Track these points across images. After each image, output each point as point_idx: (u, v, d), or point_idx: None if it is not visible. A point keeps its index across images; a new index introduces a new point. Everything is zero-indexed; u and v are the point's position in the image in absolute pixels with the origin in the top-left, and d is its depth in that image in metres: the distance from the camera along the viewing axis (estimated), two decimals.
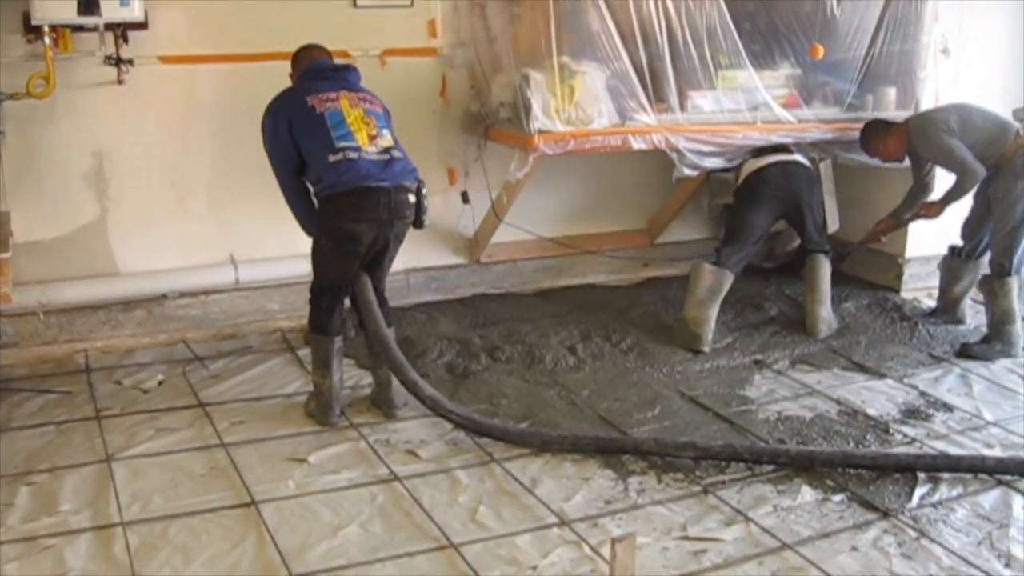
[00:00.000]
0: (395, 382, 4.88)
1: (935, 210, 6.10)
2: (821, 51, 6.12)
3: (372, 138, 4.66)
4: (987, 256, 6.09)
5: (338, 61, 5.03)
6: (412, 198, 4.69)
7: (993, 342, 5.94)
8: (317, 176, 4.65)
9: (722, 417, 5.04)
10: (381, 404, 4.98)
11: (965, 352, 5.90)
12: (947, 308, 6.37)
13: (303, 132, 4.65)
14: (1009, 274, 5.88)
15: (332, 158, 4.59)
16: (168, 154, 5.65)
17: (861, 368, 5.68)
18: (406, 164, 4.71)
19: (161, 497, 4.17)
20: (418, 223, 4.78)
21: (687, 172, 5.86)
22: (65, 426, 4.81)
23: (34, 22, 4.96)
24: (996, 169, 5.77)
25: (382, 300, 4.93)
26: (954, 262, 6.26)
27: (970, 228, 6.16)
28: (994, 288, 5.93)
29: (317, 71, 4.90)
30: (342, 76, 4.89)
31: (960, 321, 6.35)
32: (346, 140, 4.62)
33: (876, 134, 6.04)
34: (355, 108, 4.71)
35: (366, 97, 4.81)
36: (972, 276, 6.22)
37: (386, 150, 4.67)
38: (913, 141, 5.90)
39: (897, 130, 5.96)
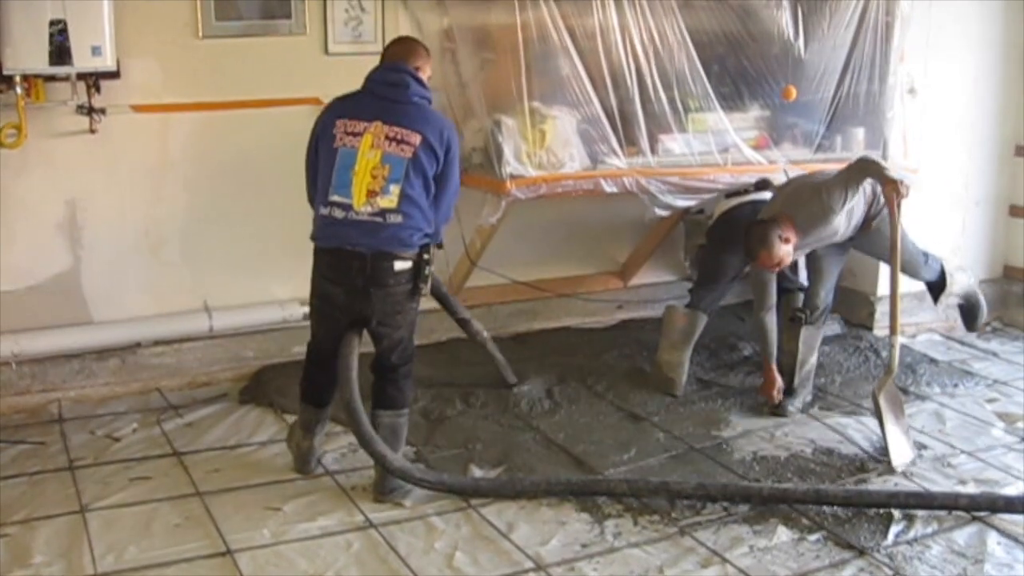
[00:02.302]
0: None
1: None
2: (794, 93, 6.17)
3: (371, 195, 4.32)
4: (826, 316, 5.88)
5: (402, 69, 4.54)
6: (401, 265, 4.38)
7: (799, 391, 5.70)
8: (314, 211, 4.55)
9: (697, 458, 5.05)
10: (375, 486, 4.67)
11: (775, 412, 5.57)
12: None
13: (320, 156, 4.50)
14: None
15: (322, 210, 4.43)
16: (141, 202, 5.65)
17: (836, 407, 5.70)
18: (400, 229, 4.35)
19: (136, 547, 4.13)
20: (414, 290, 4.47)
21: (659, 213, 5.89)
22: (38, 477, 4.77)
23: (5, 71, 4.96)
24: None
25: (388, 376, 4.63)
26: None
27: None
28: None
29: (374, 81, 4.55)
30: (392, 97, 4.45)
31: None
32: (340, 193, 4.36)
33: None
34: (374, 150, 4.35)
35: (399, 135, 4.36)
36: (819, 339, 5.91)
37: (381, 211, 4.33)
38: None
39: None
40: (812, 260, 5.78)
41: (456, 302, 5.60)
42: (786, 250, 5.19)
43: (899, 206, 5.14)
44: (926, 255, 5.81)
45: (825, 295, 5.74)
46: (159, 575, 3.94)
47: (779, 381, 5.58)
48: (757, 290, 5.61)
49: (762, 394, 5.65)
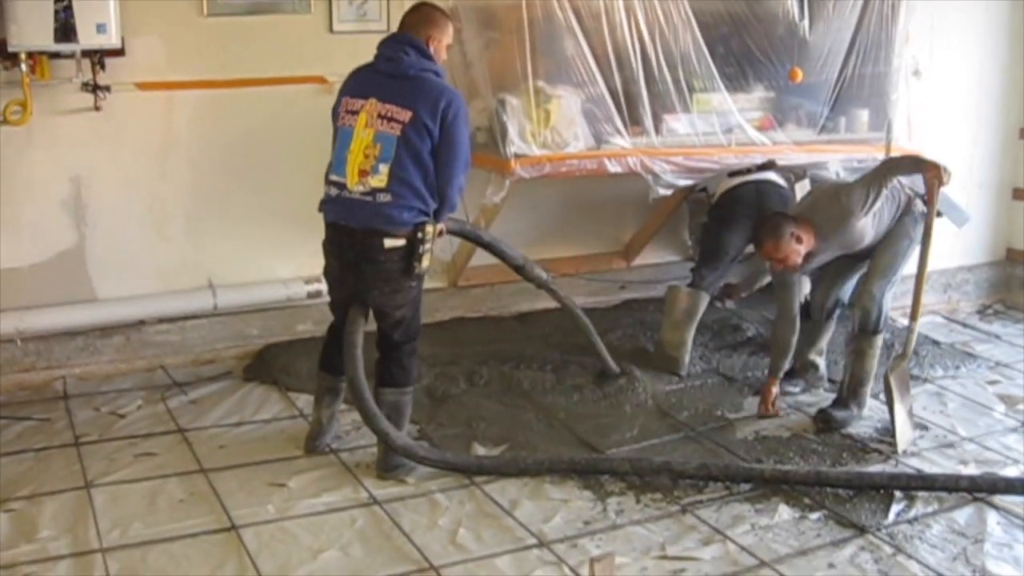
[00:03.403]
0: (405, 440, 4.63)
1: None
2: (800, 74, 6.16)
3: (362, 175, 4.34)
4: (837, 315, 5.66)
5: (403, 41, 4.46)
6: (392, 243, 4.36)
7: (851, 405, 5.36)
8: None
9: (699, 437, 5.08)
10: (378, 464, 4.69)
11: (824, 420, 5.27)
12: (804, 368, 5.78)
13: (334, 129, 4.56)
14: (876, 331, 5.31)
15: (325, 186, 4.51)
16: (146, 180, 5.65)
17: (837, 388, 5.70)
18: (391, 208, 4.33)
19: (141, 523, 4.16)
20: (408, 269, 4.44)
21: (662, 192, 5.89)
22: (44, 453, 4.79)
23: (10, 49, 4.96)
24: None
25: (391, 354, 4.64)
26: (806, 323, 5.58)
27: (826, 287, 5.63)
28: (861, 347, 5.33)
29: (377, 55, 4.50)
30: (388, 71, 4.42)
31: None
32: (338, 172, 4.42)
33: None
34: (368, 128, 4.36)
35: (390, 113, 4.34)
36: (827, 336, 5.73)
37: (372, 191, 4.33)
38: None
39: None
40: (826, 264, 5.51)
41: (508, 247, 5.41)
42: (795, 248, 5.05)
43: (938, 192, 5.01)
44: (880, 311, 5.27)
45: (830, 294, 5.55)
46: (164, 550, 3.97)
47: (774, 396, 5.39)
48: (777, 293, 5.44)
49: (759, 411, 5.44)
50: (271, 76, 5.71)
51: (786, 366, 5.44)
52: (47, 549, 3.95)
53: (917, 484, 4.56)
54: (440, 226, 4.60)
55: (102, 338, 5.71)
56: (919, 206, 5.25)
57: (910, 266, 5.30)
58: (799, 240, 5.07)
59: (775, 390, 5.41)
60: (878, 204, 5.07)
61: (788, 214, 5.24)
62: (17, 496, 4.35)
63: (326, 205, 4.52)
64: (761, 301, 6.64)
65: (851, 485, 4.53)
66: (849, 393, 5.33)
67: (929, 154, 6.05)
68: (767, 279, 6.43)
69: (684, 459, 4.73)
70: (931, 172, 5.01)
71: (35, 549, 3.95)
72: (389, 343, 4.64)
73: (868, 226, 5.14)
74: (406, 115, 4.34)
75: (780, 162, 6.10)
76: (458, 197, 4.55)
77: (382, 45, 4.53)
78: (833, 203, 5.14)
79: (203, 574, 3.82)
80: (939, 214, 5.39)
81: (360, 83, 4.51)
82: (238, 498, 4.38)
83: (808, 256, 5.15)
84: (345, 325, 4.57)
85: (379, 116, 4.37)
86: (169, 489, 4.46)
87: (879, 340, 5.29)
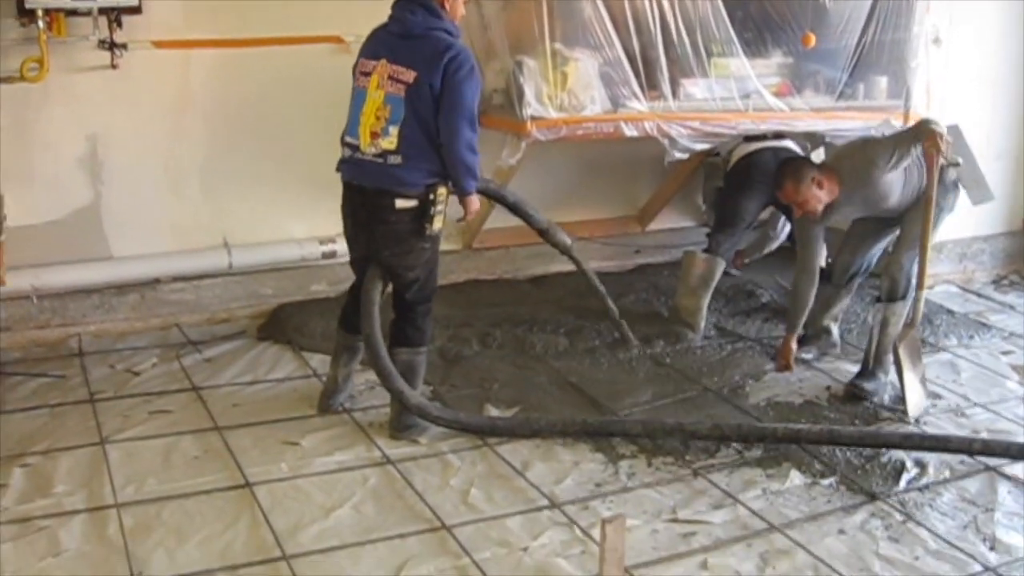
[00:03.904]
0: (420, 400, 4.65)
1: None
2: (813, 39, 6.12)
3: (374, 136, 4.35)
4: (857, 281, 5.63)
5: (415, 0, 4.41)
6: (403, 203, 4.36)
7: (878, 374, 5.29)
8: None
9: (712, 402, 5.09)
10: (391, 423, 4.70)
11: (855, 394, 5.18)
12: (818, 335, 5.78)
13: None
14: (904, 298, 5.28)
15: (341, 147, 4.52)
16: (162, 138, 5.65)
17: (853, 356, 5.69)
18: (401, 170, 4.34)
19: (155, 479, 4.19)
20: (419, 230, 4.42)
21: (677, 156, 5.87)
22: (59, 409, 4.82)
23: (28, 5, 4.96)
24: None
25: (406, 314, 4.65)
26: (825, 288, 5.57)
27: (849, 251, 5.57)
28: (887, 316, 5.29)
29: (392, 15, 4.47)
30: (399, 32, 4.40)
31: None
32: (352, 134, 4.44)
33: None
34: (379, 91, 4.35)
35: (397, 74, 4.32)
36: (843, 303, 5.73)
37: (383, 153, 4.34)
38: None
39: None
40: (854, 223, 5.48)
41: (534, 210, 5.41)
42: (815, 194, 5.05)
43: (937, 163, 4.94)
44: (908, 280, 5.28)
45: (853, 259, 5.50)
46: (179, 506, 4.00)
47: (794, 352, 5.44)
48: (799, 246, 5.40)
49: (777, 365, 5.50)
50: (288, 35, 5.70)
51: (799, 322, 5.43)
52: (62, 504, 3.99)
53: (930, 445, 4.55)
54: (472, 201, 4.54)
55: (117, 296, 5.73)
56: (951, 175, 5.23)
57: (939, 237, 5.25)
58: (820, 185, 5.06)
59: (793, 346, 5.43)
60: (904, 163, 5.02)
61: (810, 160, 5.20)
62: (33, 451, 4.38)
63: (342, 165, 4.54)
64: (775, 267, 6.65)
65: (864, 443, 4.54)
66: (875, 362, 5.30)
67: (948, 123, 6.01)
68: (773, 245, 6.44)
69: (697, 422, 4.73)
70: (928, 142, 4.94)
71: (50, 503, 3.98)
72: (404, 303, 4.65)
73: (894, 185, 5.09)
74: (411, 76, 4.32)
75: (798, 128, 6.07)
76: (470, 155, 4.40)
77: (395, 5, 4.51)
78: (858, 154, 5.14)
79: (216, 530, 3.84)
80: (959, 184, 5.37)
81: (374, 44, 4.50)
82: (252, 456, 4.41)
83: (829, 207, 5.14)
84: (363, 284, 4.59)
85: (389, 77, 4.36)
86: (183, 446, 4.49)
87: (903, 308, 5.26)
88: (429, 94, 4.31)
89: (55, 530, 3.80)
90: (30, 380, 5.12)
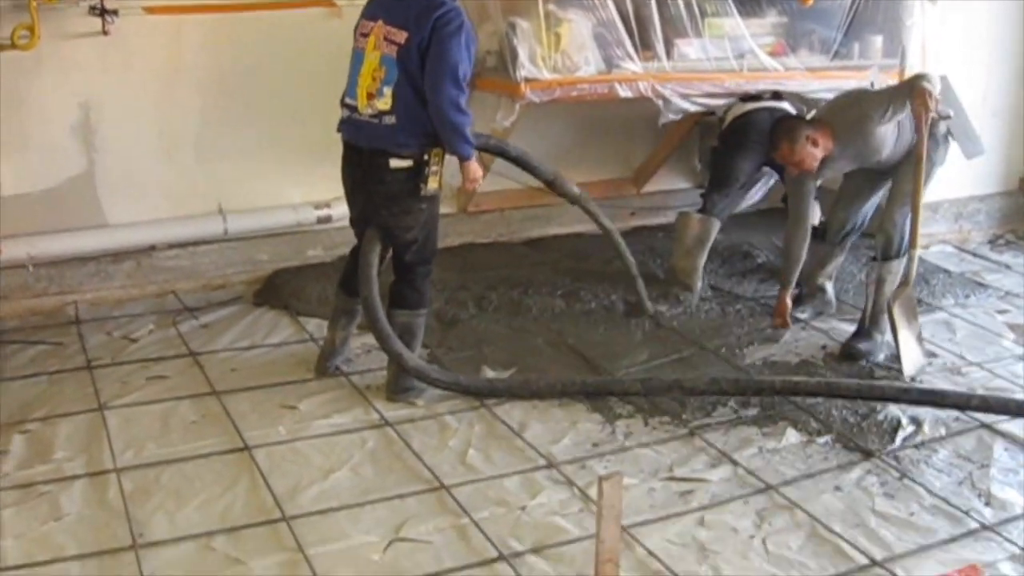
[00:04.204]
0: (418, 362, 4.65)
1: None
2: None
3: (370, 97, 4.37)
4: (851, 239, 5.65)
5: None
6: (397, 163, 4.38)
7: (873, 334, 5.30)
8: None
9: (709, 362, 5.11)
10: (388, 386, 4.73)
11: (851, 354, 5.20)
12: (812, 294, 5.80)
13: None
14: (899, 256, 5.28)
15: (341, 108, 4.52)
16: (155, 105, 5.63)
17: (848, 315, 5.69)
18: (396, 131, 4.35)
19: (154, 444, 4.22)
20: (414, 190, 4.42)
21: (672, 117, 5.85)
22: (57, 376, 4.84)
23: None
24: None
25: (404, 276, 4.66)
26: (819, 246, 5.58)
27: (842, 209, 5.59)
28: (882, 274, 5.30)
29: None
30: None
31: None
32: (350, 95, 4.46)
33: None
34: (375, 51, 4.36)
35: (390, 34, 4.32)
36: (838, 261, 5.74)
37: (379, 113, 4.36)
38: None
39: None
40: (846, 179, 5.55)
41: (538, 161, 5.38)
42: (810, 152, 5.07)
43: (926, 120, 4.94)
44: (902, 237, 5.26)
45: (847, 216, 5.52)
46: (178, 470, 4.02)
47: (789, 308, 5.47)
48: (791, 200, 5.41)
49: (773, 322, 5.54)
50: (280, 0, 5.66)
51: (793, 278, 5.45)
52: (62, 469, 4.01)
53: (928, 399, 4.57)
54: (472, 168, 4.52)
55: (113, 263, 5.72)
56: (942, 129, 5.24)
57: (930, 193, 5.24)
58: (815, 143, 5.08)
59: (788, 302, 5.45)
60: (898, 116, 5.02)
61: (804, 118, 5.21)
62: (32, 418, 4.40)
63: (342, 126, 4.55)
64: (771, 228, 6.64)
65: (861, 395, 4.56)
66: (871, 322, 5.30)
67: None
68: (744, 203, 6.36)
69: (694, 378, 4.73)
70: (918, 99, 4.93)
71: (51, 469, 4.01)
72: (402, 265, 4.65)
73: (887, 137, 5.10)
74: (402, 36, 4.32)
75: (792, 88, 6.05)
76: (456, 114, 4.31)
77: None
78: (852, 107, 5.14)
79: (215, 493, 3.87)
80: (950, 138, 5.37)
81: (372, 5, 4.50)
82: (250, 420, 4.43)
83: (823, 162, 5.15)
84: (362, 246, 4.60)
85: (384, 38, 4.37)
86: (182, 411, 4.51)
87: (898, 265, 5.27)
88: (417, 54, 4.30)
89: (56, 495, 3.83)
90: (28, 348, 5.13)
